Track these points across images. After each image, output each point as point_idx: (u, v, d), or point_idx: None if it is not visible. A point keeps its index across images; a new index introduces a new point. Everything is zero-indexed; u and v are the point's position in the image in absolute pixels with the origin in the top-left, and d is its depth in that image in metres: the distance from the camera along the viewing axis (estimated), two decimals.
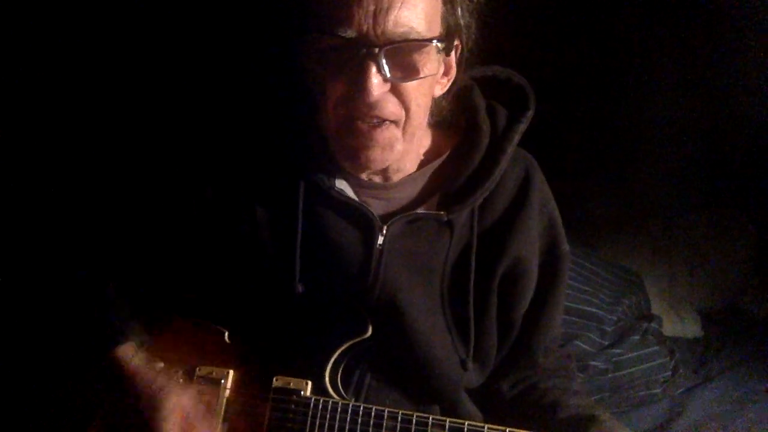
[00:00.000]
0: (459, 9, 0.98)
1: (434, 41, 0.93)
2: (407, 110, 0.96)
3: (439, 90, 1.05)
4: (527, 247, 1.10)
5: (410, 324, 1.05)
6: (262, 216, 1.07)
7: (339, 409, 0.98)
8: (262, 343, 1.04)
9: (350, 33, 0.89)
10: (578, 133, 2.67)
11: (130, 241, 1.12)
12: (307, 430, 0.98)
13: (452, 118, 1.13)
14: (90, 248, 1.12)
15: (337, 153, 1.02)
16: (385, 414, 0.96)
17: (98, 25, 1.77)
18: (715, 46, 2.53)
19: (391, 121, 0.96)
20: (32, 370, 1.13)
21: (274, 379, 1.01)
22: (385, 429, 0.96)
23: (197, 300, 1.10)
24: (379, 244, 1.04)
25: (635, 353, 2.11)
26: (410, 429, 0.95)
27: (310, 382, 1.01)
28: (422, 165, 1.11)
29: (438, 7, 0.95)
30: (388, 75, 0.91)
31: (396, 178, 1.09)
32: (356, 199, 1.06)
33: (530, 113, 1.10)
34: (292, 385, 1.01)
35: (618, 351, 2.09)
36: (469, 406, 1.15)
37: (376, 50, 0.89)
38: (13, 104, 1.73)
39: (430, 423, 0.95)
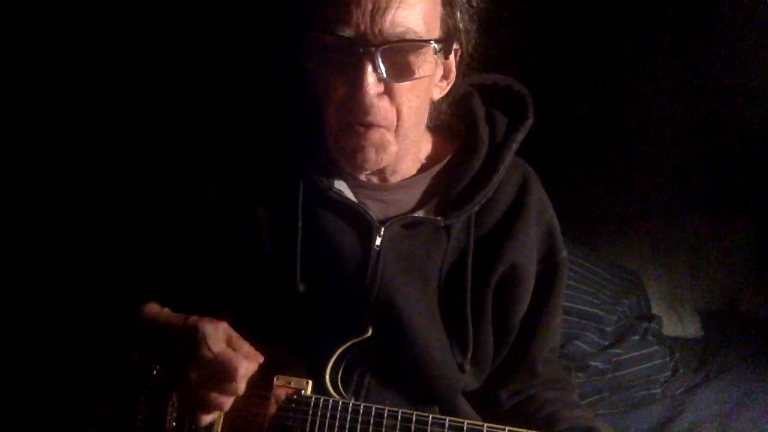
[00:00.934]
0: (458, 12, 0.98)
1: (431, 42, 0.93)
2: (399, 113, 0.96)
3: (438, 93, 1.05)
4: (524, 254, 1.10)
5: (408, 325, 1.05)
6: (263, 216, 1.07)
7: (339, 408, 0.98)
8: (262, 343, 1.04)
9: (348, 32, 0.90)
10: (578, 133, 2.67)
11: (132, 241, 1.12)
12: (308, 428, 0.99)
13: (452, 124, 1.13)
14: (93, 248, 1.12)
15: (335, 153, 1.03)
16: (385, 413, 0.96)
17: (102, 25, 1.78)
18: (715, 46, 2.53)
19: (382, 126, 0.96)
20: (52, 355, 1.13)
21: (275, 378, 1.02)
22: (385, 427, 0.96)
23: (198, 300, 1.10)
24: (377, 246, 1.05)
25: (635, 353, 2.11)
26: (410, 428, 0.95)
27: (310, 382, 1.01)
28: (422, 170, 1.11)
29: (437, 10, 0.95)
30: (384, 74, 0.92)
31: (393, 179, 1.09)
32: (355, 200, 1.07)
33: (529, 122, 1.10)
34: (292, 384, 1.01)
35: (618, 351, 2.09)
36: (468, 409, 1.14)
37: (373, 49, 0.90)
38: (22, 104, 1.73)
39: (429, 422, 0.95)
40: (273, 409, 1.01)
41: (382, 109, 0.94)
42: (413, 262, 1.07)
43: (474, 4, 1.00)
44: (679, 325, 2.47)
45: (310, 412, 0.99)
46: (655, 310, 2.41)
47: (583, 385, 1.97)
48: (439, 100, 1.06)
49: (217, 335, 0.95)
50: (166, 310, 1.02)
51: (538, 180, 1.15)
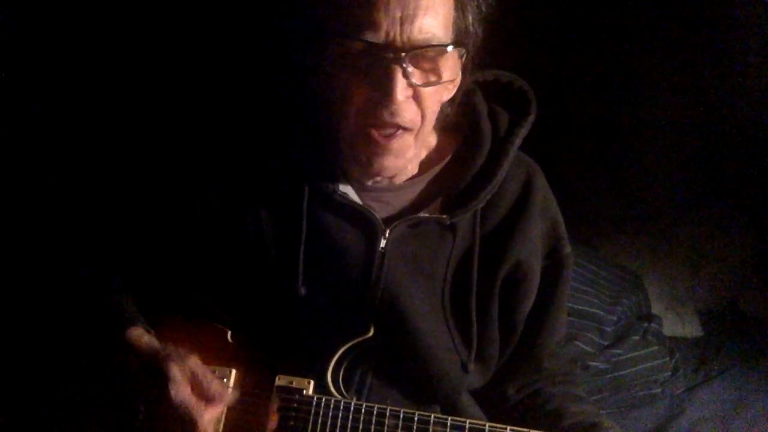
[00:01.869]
0: (470, 16, 0.99)
1: (453, 46, 0.95)
2: (423, 117, 0.98)
3: (447, 95, 1.06)
4: (529, 250, 1.10)
5: (412, 326, 1.05)
6: (266, 218, 1.07)
7: (341, 408, 0.98)
8: (264, 343, 1.05)
9: (377, 38, 0.90)
10: (579, 134, 2.67)
11: (135, 243, 1.12)
12: (309, 428, 0.98)
13: (455, 121, 1.13)
14: (95, 248, 1.12)
15: (349, 160, 1.03)
16: (387, 412, 0.96)
17: (110, 26, 1.77)
18: (715, 46, 2.53)
19: (406, 129, 0.97)
20: (42, 365, 1.13)
21: (277, 377, 1.02)
22: (387, 427, 0.96)
23: (201, 301, 1.10)
24: (382, 248, 1.05)
25: (635, 353, 2.11)
26: (412, 427, 0.95)
27: (312, 381, 1.01)
28: (425, 168, 1.11)
29: (452, 14, 0.97)
30: (413, 80, 0.93)
31: (399, 180, 1.09)
32: (360, 202, 1.07)
33: (531, 117, 1.10)
34: (294, 384, 1.01)
35: (618, 351, 2.10)
36: (471, 408, 1.15)
37: (403, 55, 0.91)
38: (21, 105, 1.73)
39: (431, 421, 0.95)
40: (274, 408, 1.01)
41: (410, 111, 0.96)
42: (419, 262, 1.07)
43: (483, 8, 1.01)
44: (679, 325, 2.47)
45: (312, 411, 0.99)
46: (655, 310, 2.41)
47: (584, 385, 1.97)
48: (446, 101, 1.07)
49: (181, 380, 0.94)
50: (146, 338, 1.01)
51: (542, 175, 1.15)
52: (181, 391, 0.93)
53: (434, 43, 0.92)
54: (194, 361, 0.96)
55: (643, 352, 2.12)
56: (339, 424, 0.98)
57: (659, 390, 2.05)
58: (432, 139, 1.13)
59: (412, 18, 0.90)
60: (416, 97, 0.96)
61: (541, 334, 1.15)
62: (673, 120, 2.68)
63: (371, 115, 0.95)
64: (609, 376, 2.05)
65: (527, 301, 1.13)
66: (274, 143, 1.10)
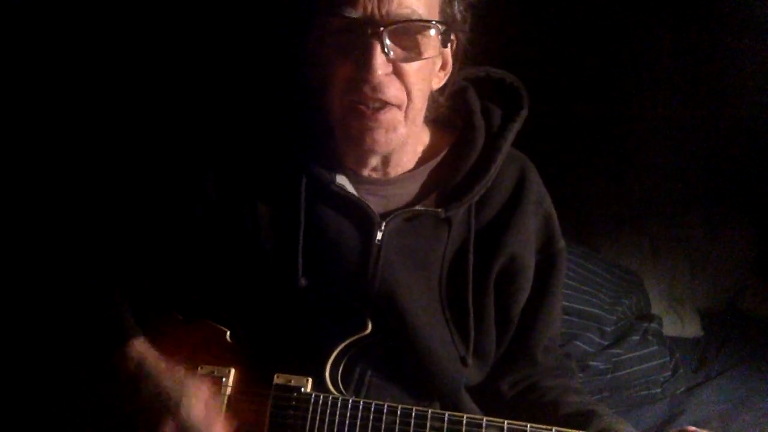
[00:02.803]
0: (456, 2, 1.02)
1: (435, 23, 0.97)
2: (409, 93, 0.99)
3: (436, 83, 1.08)
4: (523, 244, 1.12)
5: (409, 319, 1.06)
6: (265, 211, 1.08)
7: (339, 404, 0.99)
8: (263, 342, 1.05)
9: (356, 13, 0.93)
10: (578, 133, 2.67)
11: (135, 240, 1.13)
12: (308, 425, 0.99)
13: (449, 117, 1.15)
14: (96, 249, 1.12)
15: (341, 140, 1.05)
16: (385, 408, 0.97)
17: (101, 21, 1.77)
18: (714, 45, 2.53)
19: (394, 105, 0.99)
20: (42, 371, 1.13)
21: (275, 376, 1.02)
22: (385, 423, 0.96)
23: (201, 302, 1.10)
24: (378, 240, 1.06)
25: (635, 353, 2.10)
26: (409, 423, 0.96)
27: (310, 379, 1.01)
28: (420, 163, 1.13)
29: None
30: (392, 55, 0.95)
31: (394, 172, 1.10)
32: (356, 194, 1.08)
33: (524, 112, 1.13)
34: (292, 382, 1.01)
35: (618, 351, 2.09)
36: (470, 405, 1.15)
37: (381, 29, 0.93)
38: (22, 109, 1.73)
39: (429, 416, 0.95)
40: (273, 407, 1.01)
41: (392, 87, 0.97)
42: (415, 255, 1.08)
43: None
44: (679, 325, 2.47)
45: (310, 408, 0.99)
46: (655, 310, 2.41)
47: (583, 385, 1.97)
48: (436, 91, 1.09)
49: (197, 400, 0.96)
50: (151, 354, 1.01)
51: (536, 171, 1.17)
52: (195, 408, 0.94)
53: (414, 18, 0.95)
54: (207, 393, 0.98)
55: (643, 352, 2.11)
56: (337, 420, 0.98)
57: (659, 390, 2.04)
58: (426, 135, 1.15)
59: None
60: (398, 74, 0.98)
61: (535, 328, 1.16)
62: (673, 120, 2.68)
63: (355, 91, 0.97)
64: (609, 376, 2.04)
65: (522, 295, 1.14)
66: (271, 136, 1.11)
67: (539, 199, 1.15)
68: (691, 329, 2.47)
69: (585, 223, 2.63)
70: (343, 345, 1.03)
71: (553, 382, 1.17)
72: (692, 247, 2.69)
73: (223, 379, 1.03)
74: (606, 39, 2.58)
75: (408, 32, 0.96)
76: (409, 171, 1.11)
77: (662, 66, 2.65)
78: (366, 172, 1.09)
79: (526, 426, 0.93)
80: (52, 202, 1.52)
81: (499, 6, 1.08)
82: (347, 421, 0.98)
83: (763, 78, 2.39)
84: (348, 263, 1.06)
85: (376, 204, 1.08)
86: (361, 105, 0.98)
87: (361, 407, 0.98)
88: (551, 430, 0.92)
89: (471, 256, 1.09)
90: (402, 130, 1.01)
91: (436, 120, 1.14)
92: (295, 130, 1.10)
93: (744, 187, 2.74)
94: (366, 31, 0.93)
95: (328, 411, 0.99)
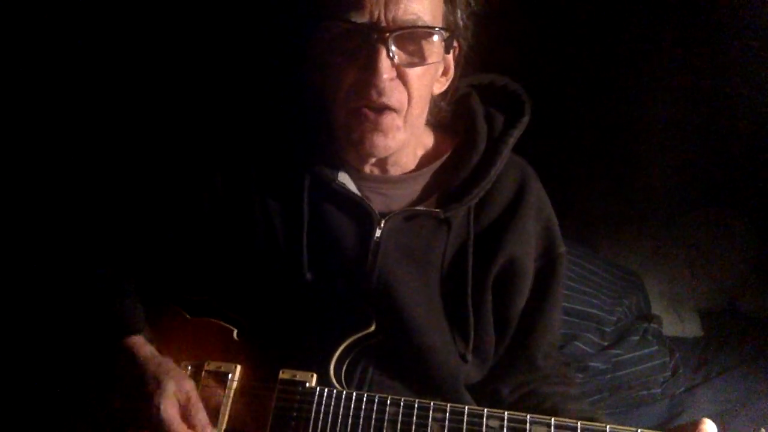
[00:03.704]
0: (458, 10, 1.04)
1: (439, 29, 0.99)
2: (410, 98, 1.01)
3: (438, 88, 1.10)
4: (522, 248, 1.13)
5: (408, 314, 1.07)
6: (270, 207, 1.10)
7: (343, 398, 1.00)
8: (269, 338, 1.07)
9: (362, 19, 0.95)
10: (578, 134, 2.67)
11: (144, 238, 1.14)
12: (312, 418, 1.00)
13: (452, 121, 1.17)
14: (105, 245, 1.13)
15: (343, 141, 1.07)
16: (388, 401, 0.99)
17: (105, 21, 1.78)
18: (715, 46, 2.53)
19: (394, 109, 1.00)
20: (43, 363, 1.13)
21: (280, 371, 1.04)
22: (388, 415, 0.98)
23: (210, 301, 1.12)
24: (377, 237, 1.07)
25: (635, 353, 2.11)
26: (412, 414, 0.97)
27: (315, 375, 1.03)
28: (423, 165, 1.14)
29: (440, 5, 1.02)
30: (396, 59, 0.97)
31: (394, 171, 1.12)
32: (357, 192, 1.10)
33: (526, 119, 1.14)
34: (297, 377, 1.03)
35: (618, 351, 2.10)
36: (471, 401, 1.15)
37: (387, 35, 0.95)
38: (29, 108, 1.73)
39: (431, 408, 0.97)
40: (277, 400, 1.02)
41: (396, 92, 0.99)
42: (413, 253, 1.10)
43: (472, 3, 1.06)
44: (679, 325, 2.48)
45: (315, 402, 1.01)
46: (655, 310, 2.41)
47: (583, 385, 1.97)
48: (438, 95, 1.11)
49: (172, 397, 0.96)
50: (148, 348, 1.03)
51: (537, 178, 1.18)
52: (169, 407, 0.95)
53: (419, 24, 0.97)
54: (190, 386, 0.99)
55: (643, 352, 2.11)
56: (341, 413, 1.00)
57: (659, 390, 2.05)
58: (429, 139, 1.17)
59: (397, 0, 0.95)
60: (402, 79, 0.99)
61: (535, 333, 1.17)
62: (674, 120, 2.68)
63: (360, 95, 0.99)
64: (609, 376, 2.05)
65: (520, 297, 1.15)
66: (276, 136, 1.13)
67: (540, 204, 1.17)
68: (691, 329, 2.48)
69: (585, 223, 2.63)
70: (348, 342, 1.04)
71: (553, 389, 1.18)
72: (692, 247, 2.69)
73: (230, 375, 1.05)
74: (606, 40, 2.58)
75: (413, 38, 0.98)
76: (412, 172, 1.13)
77: (663, 67, 2.65)
78: (367, 169, 1.11)
79: (526, 417, 0.95)
80: (62, 195, 1.53)
81: (501, 10, 1.09)
82: (351, 413, 0.99)
83: (764, 78, 2.39)
84: (349, 258, 1.08)
85: (378, 202, 1.10)
86: (366, 108, 0.99)
87: (364, 399, 1.00)
88: (550, 419, 0.94)
89: (470, 258, 1.11)
90: (400, 135, 1.03)
91: (439, 124, 1.16)
92: (298, 130, 1.12)
93: (744, 187, 2.74)
94: (372, 36, 0.95)
95: (333, 404, 1.00)
